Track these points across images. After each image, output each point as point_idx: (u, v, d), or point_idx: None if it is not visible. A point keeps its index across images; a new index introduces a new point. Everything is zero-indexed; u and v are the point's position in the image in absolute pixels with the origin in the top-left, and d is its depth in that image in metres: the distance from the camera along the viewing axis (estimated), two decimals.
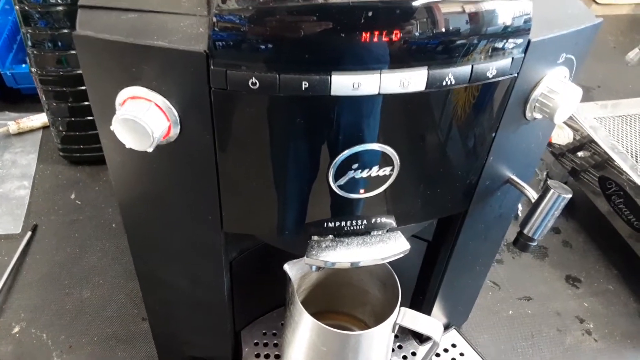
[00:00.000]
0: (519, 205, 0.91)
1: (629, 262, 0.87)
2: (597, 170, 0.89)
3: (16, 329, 0.73)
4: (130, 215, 0.49)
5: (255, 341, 0.69)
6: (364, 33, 0.34)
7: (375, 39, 0.34)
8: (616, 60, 1.39)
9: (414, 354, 0.70)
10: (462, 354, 0.69)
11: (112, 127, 0.37)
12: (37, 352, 0.71)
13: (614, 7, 1.65)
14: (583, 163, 0.92)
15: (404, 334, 0.71)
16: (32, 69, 0.83)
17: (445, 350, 0.70)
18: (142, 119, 0.35)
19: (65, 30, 0.79)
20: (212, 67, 0.35)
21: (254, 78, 0.35)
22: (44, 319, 0.74)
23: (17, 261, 0.81)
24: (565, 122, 0.96)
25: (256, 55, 0.35)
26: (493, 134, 0.45)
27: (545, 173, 1.02)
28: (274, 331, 0.70)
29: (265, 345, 0.68)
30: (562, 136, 0.97)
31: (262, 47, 0.34)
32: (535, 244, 0.51)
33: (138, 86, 0.37)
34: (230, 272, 0.55)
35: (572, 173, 0.94)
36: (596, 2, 1.64)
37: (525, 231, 0.51)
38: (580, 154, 0.94)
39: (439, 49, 0.36)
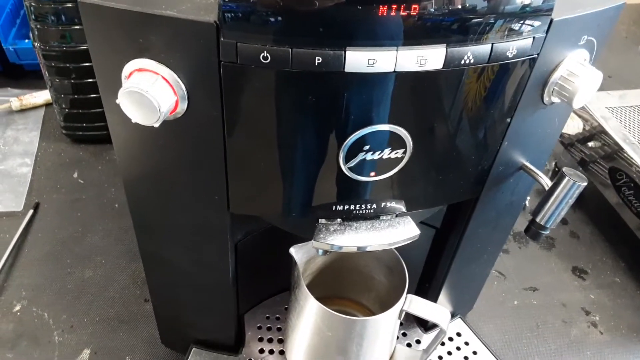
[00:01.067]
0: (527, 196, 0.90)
1: (636, 255, 0.86)
2: (607, 161, 0.87)
3: (17, 307, 0.73)
4: (135, 193, 0.48)
5: (258, 325, 0.68)
6: (381, 6, 0.33)
7: (393, 13, 0.33)
8: (628, 50, 1.37)
9: (418, 341, 0.69)
10: (467, 343, 0.69)
11: (117, 101, 0.35)
12: (38, 331, 0.70)
13: None
14: (593, 154, 0.91)
15: (408, 322, 0.71)
16: (35, 44, 0.82)
17: (450, 339, 0.69)
18: (148, 92, 0.34)
19: (70, 4, 0.78)
20: (222, 39, 0.34)
21: (265, 52, 0.34)
22: (45, 298, 0.74)
23: (18, 239, 0.80)
24: (575, 112, 0.94)
25: (268, 28, 0.33)
26: (509, 118, 0.44)
27: (554, 163, 1.00)
28: (277, 315, 0.69)
29: (269, 329, 0.68)
30: (571, 126, 0.96)
31: (275, 19, 0.33)
32: (547, 232, 0.50)
33: (145, 58, 0.36)
34: (235, 255, 0.54)
35: (582, 163, 0.93)
36: None
37: (537, 219, 0.50)
38: (590, 144, 0.93)
39: (458, 26, 0.35)
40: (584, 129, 0.95)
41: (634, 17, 1.54)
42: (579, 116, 0.94)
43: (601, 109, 0.91)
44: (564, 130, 0.96)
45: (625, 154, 0.82)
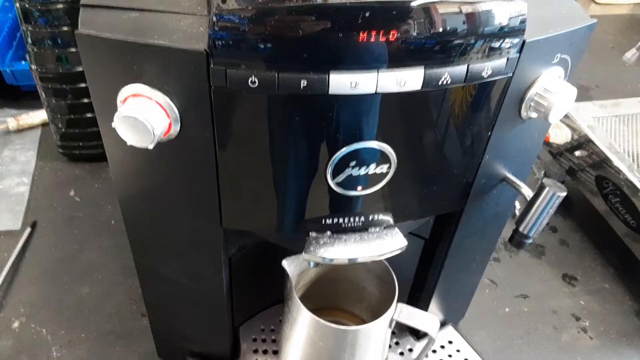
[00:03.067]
0: (516, 204, 0.92)
1: (625, 261, 0.88)
2: (594, 170, 0.89)
3: (16, 324, 0.74)
4: (130, 211, 0.50)
5: (253, 337, 0.69)
6: (361, 33, 0.35)
7: (373, 39, 0.35)
8: (614, 60, 1.39)
9: (410, 350, 0.70)
10: (458, 351, 0.70)
11: (113, 125, 0.37)
12: (37, 347, 0.71)
13: (613, 6, 1.65)
14: (580, 162, 0.93)
15: (401, 331, 0.72)
16: (32, 67, 0.84)
17: (442, 347, 0.70)
18: (143, 116, 0.36)
19: (65, 28, 0.79)
20: (212, 66, 0.36)
21: (253, 77, 0.36)
22: (43, 315, 0.75)
23: (16, 257, 0.81)
24: (563, 122, 0.96)
25: (255, 55, 0.35)
26: (489, 133, 0.46)
27: (542, 172, 1.02)
28: (272, 327, 0.71)
29: (264, 341, 0.69)
30: (559, 135, 0.98)
31: (262, 46, 0.35)
32: (530, 241, 0.52)
33: (139, 84, 0.38)
34: (229, 268, 0.56)
35: (570, 172, 0.95)
36: (595, 2, 1.65)
37: (520, 229, 0.51)
38: (577, 153, 0.95)
39: (435, 49, 0.37)
40: (572, 138, 0.97)
41: (620, 28, 1.57)
42: (567, 125, 0.96)
43: (588, 119, 0.93)
44: (552, 140, 0.98)
45: (611, 163, 0.84)
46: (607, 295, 0.85)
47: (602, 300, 0.84)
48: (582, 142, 0.94)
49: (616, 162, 0.84)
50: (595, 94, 1.28)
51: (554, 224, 0.96)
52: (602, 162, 0.87)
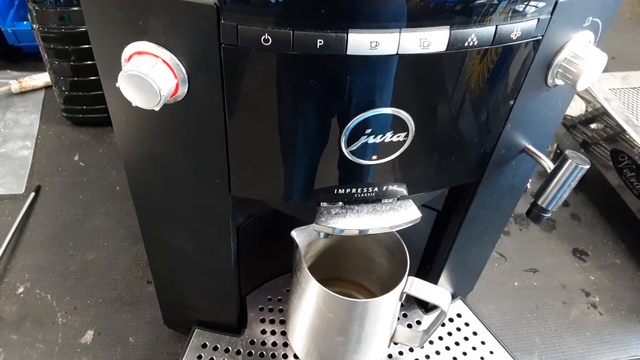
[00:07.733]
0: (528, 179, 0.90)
1: (637, 237, 0.87)
2: (609, 143, 0.87)
3: (21, 289, 0.73)
4: (136, 177, 0.48)
5: (260, 306, 0.69)
6: None
7: None
8: (632, 31, 1.35)
9: (418, 322, 0.70)
10: (467, 324, 0.69)
11: (117, 84, 0.35)
12: (42, 313, 0.71)
13: None
14: (595, 135, 0.91)
15: (409, 303, 0.71)
16: (34, 26, 0.81)
17: (451, 320, 0.70)
18: (148, 75, 0.34)
19: None
20: (222, 22, 0.33)
21: (266, 34, 0.33)
22: (48, 280, 0.74)
23: (20, 222, 0.80)
24: (578, 93, 0.94)
25: (269, 10, 0.33)
26: (512, 101, 0.44)
27: (555, 145, 1.00)
28: (279, 297, 0.70)
29: (271, 310, 0.68)
30: (574, 107, 0.95)
31: (276, 0, 0.32)
32: (548, 215, 0.50)
33: (145, 41, 0.35)
34: (237, 237, 0.55)
35: (584, 145, 0.93)
36: None
37: (539, 202, 0.50)
38: (592, 126, 0.93)
39: (462, 7, 0.34)
40: (586, 110, 0.94)
41: None
42: (582, 97, 0.94)
43: (604, 91, 0.90)
44: (566, 112, 0.96)
45: (627, 136, 0.82)
46: (618, 271, 0.84)
47: (612, 276, 0.83)
48: (598, 114, 0.91)
49: (632, 135, 0.81)
50: (612, 65, 1.24)
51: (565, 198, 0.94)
52: (617, 135, 0.85)
